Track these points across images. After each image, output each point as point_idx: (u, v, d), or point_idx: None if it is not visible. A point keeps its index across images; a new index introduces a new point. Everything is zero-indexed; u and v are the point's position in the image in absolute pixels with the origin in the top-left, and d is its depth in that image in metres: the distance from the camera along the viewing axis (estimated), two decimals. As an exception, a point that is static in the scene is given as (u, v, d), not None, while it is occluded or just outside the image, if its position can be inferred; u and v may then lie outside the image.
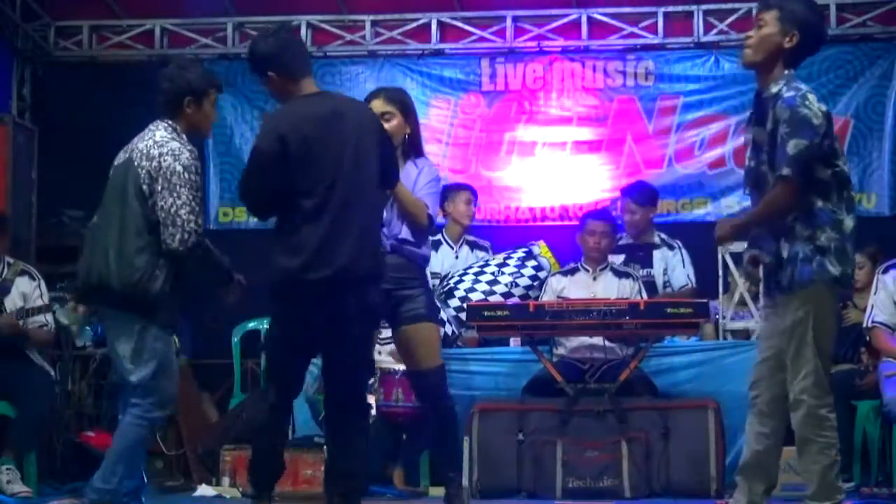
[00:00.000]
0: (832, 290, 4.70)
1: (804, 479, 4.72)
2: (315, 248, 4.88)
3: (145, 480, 5.56)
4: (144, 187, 5.18)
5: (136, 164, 5.22)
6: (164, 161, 5.18)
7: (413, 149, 5.68)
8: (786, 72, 4.75)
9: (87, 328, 6.29)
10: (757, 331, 7.41)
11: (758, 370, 4.89)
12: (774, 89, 4.71)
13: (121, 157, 5.36)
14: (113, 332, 5.32)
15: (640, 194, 8.04)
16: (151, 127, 5.37)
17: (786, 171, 4.56)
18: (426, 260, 5.80)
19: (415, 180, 5.60)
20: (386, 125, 5.47)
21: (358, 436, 5.08)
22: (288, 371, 5.13)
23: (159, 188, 5.16)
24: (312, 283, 4.89)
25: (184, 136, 5.33)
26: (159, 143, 5.25)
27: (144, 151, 5.23)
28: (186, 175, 5.18)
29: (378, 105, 5.60)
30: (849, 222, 4.70)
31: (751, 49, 4.76)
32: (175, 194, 5.14)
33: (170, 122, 5.34)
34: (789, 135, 4.58)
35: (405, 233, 5.58)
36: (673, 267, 7.89)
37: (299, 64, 5.11)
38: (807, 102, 4.62)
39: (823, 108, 4.67)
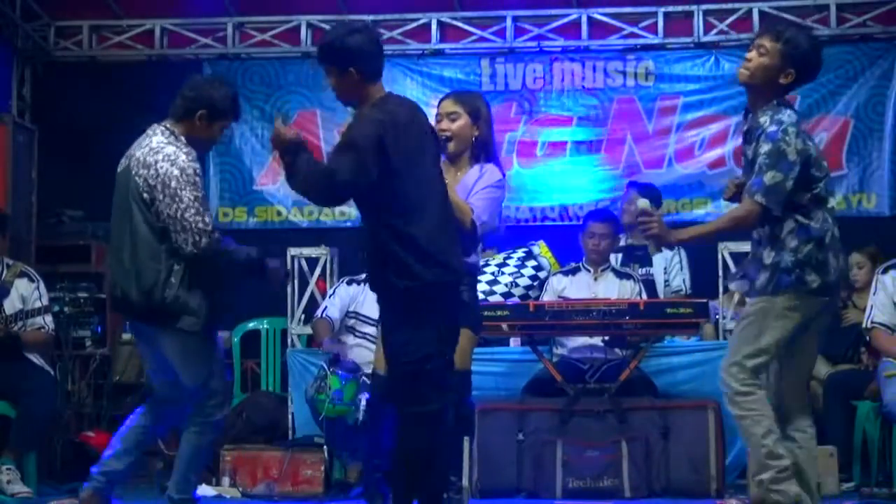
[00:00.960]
0: (808, 300, 4.89)
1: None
2: (444, 250, 4.84)
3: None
4: (145, 195, 5.16)
5: (133, 173, 5.20)
6: (161, 168, 5.15)
7: (483, 152, 5.57)
8: (775, 101, 4.93)
9: None
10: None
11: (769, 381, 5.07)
12: (762, 119, 4.90)
13: (122, 165, 5.34)
14: (150, 342, 5.33)
15: (648, 193, 7.96)
16: (148, 132, 5.34)
17: (760, 198, 4.81)
18: (474, 267, 5.59)
19: (473, 183, 5.49)
20: (452, 125, 5.48)
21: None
22: (447, 378, 4.94)
23: (160, 196, 5.13)
24: (449, 287, 4.87)
25: (182, 139, 5.29)
26: (155, 149, 5.21)
27: (141, 159, 5.21)
28: (184, 177, 5.14)
29: (447, 105, 5.57)
30: (832, 234, 4.91)
31: (748, 72, 4.97)
32: (177, 199, 5.12)
33: (167, 126, 5.31)
34: (768, 166, 4.81)
35: None
36: (671, 269, 7.89)
37: (381, 66, 4.94)
38: (787, 138, 4.82)
39: (800, 144, 4.84)
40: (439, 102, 5.64)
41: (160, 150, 5.20)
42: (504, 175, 5.61)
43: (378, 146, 4.70)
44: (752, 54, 4.94)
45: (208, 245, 5.12)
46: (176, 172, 5.14)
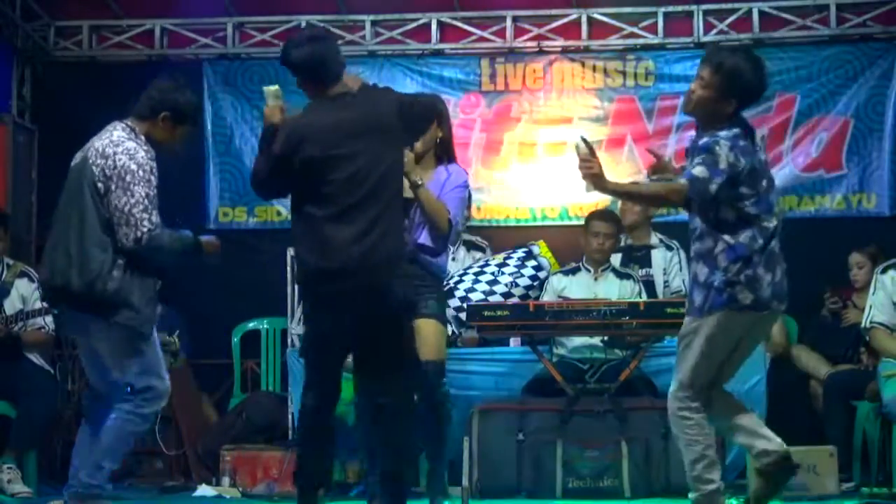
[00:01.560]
0: (742, 316, 4.96)
1: None
2: (343, 246, 5.01)
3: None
4: (99, 185, 5.22)
5: (90, 161, 5.27)
6: (119, 160, 5.22)
7: (445, 154, 5.81)
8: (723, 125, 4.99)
9: None
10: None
11: None
12: (704, 137, 4.99)
13: (77, 158, 5.41)
14: (85, 333, 5.33)
15: None
16: (109, 127, 5.42)
17: (684, 181, 4.91)
18: (442, 270, 5.88)
19: (442, 185, 5.71)
20: None
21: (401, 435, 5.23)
22: (318, 371, 5.19)
23: (113, 187, 5.19)
24: (337, 281, 5.01)
25: (142, 138, 5.37)
26: (115, 142, 5.29)
27: (100, 150, 5.28)
28: (141, 172, 5.21)
29: None
30: (767, 249, 4.95)
31: (690, 104, 5.09)
32: (129, 193, 5.18)
33: (128, 123, 5.40)
34: (699, 162, 4.90)
35: (424, 238, 5.67)
36: (670, 270, 7.90)
37: (329, 73, 5.20)
38: (717, 148, 4.89)
39: (731, 158, 4.89)
40: None
41: (120, 144, 5.28)
42: (468, 175, 5.92)
43: (287, 153, 5.07)
44: (695, 85, 5.05)
45: (148, 243, 5.17)
46: (133, 167, 5.21)
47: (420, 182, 5.62)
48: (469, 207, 8.02)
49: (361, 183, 5.02)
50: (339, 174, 5.00)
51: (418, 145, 5.68)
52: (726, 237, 4.93)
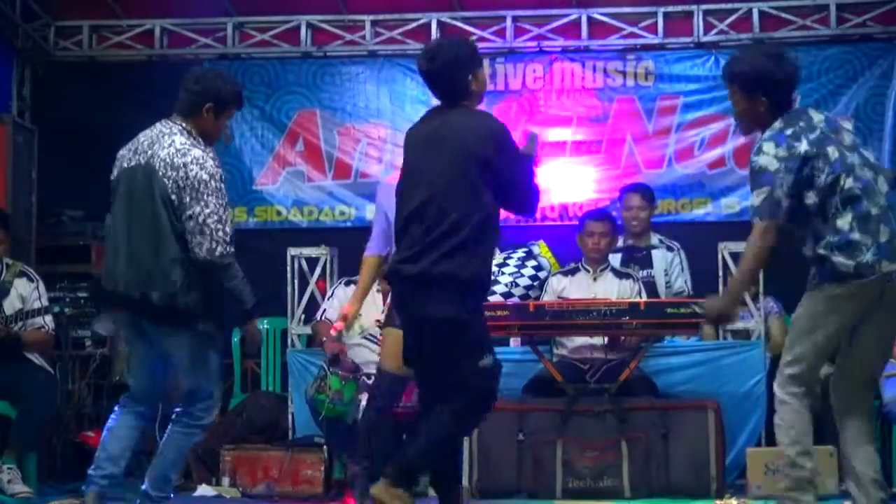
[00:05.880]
0: (846, 286, 4.82)
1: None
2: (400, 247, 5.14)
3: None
4: (173, 197, 5.16)
5: (160, 173, 5.18)
6: (191, 170, 5.15)
7: None
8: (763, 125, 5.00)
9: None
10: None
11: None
12: None
13: (132, 160, 5.29)
14: (154, 342, 5.33)
15: (645, 191, 8.08)
16: (164, 129, 5.32)
17: (754, 219, 4.86)
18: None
19: None
20: None
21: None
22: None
23: (187, 199, 5.14)
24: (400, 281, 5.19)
25: (200, 140, 5.31)
26: (181, 150, 5.20)
27: (168, 161, 5.19)
28: (213, 183, 5.17)
29: None
30: (843, 221, 4.81)
31: (740, 123, 5.19)
32: (202, 203, 5.13)
33: (184, 126, 5.31)
34: (752, 189, 4.90)
35: None
36: (672, 271, 7.90)
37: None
38: (758, 158, 4.86)
39: (783, 151, 4.82)
40: None
41: (188, 153, 5.20)
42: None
43: None
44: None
45: (221, 255, 5.15)
46: (205, 177, 5.16)
47: None
48: None
49: (424, 187, 5.13)
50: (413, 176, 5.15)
51: None
52: (815, 222, 4.83)
